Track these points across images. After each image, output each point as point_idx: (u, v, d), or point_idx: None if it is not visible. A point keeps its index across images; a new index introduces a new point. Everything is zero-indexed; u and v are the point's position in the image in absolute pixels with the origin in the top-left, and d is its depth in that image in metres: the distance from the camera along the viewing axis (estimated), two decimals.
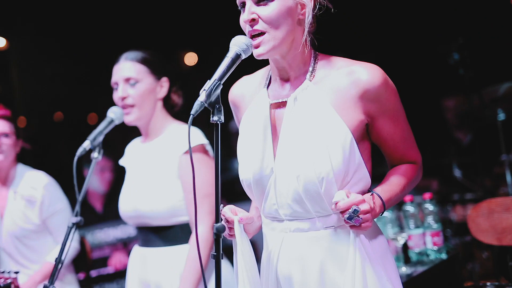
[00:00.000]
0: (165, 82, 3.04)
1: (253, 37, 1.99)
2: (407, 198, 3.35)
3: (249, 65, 2.15)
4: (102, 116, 2.95)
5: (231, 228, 2.06)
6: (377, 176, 2.17)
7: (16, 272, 2.91)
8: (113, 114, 2.88)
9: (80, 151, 2.70)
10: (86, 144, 2.73)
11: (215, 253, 1.85)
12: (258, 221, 2.21)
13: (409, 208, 3.34)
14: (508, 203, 3.46)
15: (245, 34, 2.01)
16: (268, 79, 2.17)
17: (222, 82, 1.89)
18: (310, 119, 1.99)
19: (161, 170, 2.91)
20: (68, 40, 6.89)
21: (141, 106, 2.96)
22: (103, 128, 2.80)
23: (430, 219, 3.36)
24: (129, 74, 2.96)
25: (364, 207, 1.88)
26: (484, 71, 5.43)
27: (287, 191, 2.00)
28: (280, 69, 2.09)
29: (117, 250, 5.31)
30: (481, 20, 5.78)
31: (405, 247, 3.34)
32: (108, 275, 5.01)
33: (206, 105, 1.84)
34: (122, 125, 2.99)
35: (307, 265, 2.00)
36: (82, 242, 3.80)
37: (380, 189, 2.02)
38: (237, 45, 1.95)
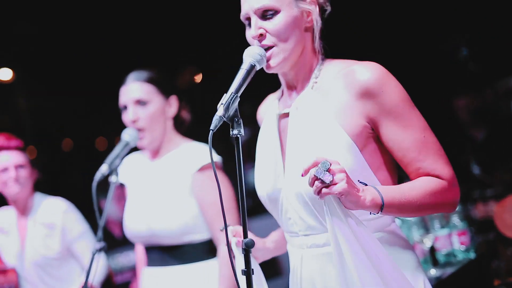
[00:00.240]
0: (174, 101, 3.00)
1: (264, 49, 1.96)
2: None
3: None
4: (110, 139, 2.92)
5: None
6: None
7: None
8: (128, 136, 2.84)
9: (98, 175, 2.67)
10: (104, 169, 2.70)
11: (245, 269, 1.81)
12: (273, 245, 2.17)
13: None
14: None
15: None
16: (282, 90, 2.15)
17: (239, 95, 1.85)
18: (311, 129, 1.94)
19: (173, 188, 2.87)
20: (72, 65, 6.90)
21: (152, 128, 2.92)
22: (119, 151, 2.76)
23: (455, 218, 3.31)
24: (138, 95, 2.91)
25: (336, 166, 1.69)
26: (493, 65, 5.40)
27: (298, 206, 1.96)
28: (287, 79, 2.07)
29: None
30: (486, 14, 5.75)
31: (432, 249, 3.29)
32: None
33: (225, 119, 1.80)
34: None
35: (329, 281, 1.93)
36: None
37: (381, 187, 1.82)
38: (251, 56, 1.91)
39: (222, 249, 2.77)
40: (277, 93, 2.20)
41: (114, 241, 5.34)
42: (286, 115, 2.06)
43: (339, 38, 2.11)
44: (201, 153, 2.86)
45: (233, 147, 1.79)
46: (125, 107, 2.94)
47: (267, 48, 1.95)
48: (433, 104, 6.06)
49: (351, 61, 1.97)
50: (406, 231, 3.20)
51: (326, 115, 1.91)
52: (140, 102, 2.91)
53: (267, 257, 2.18)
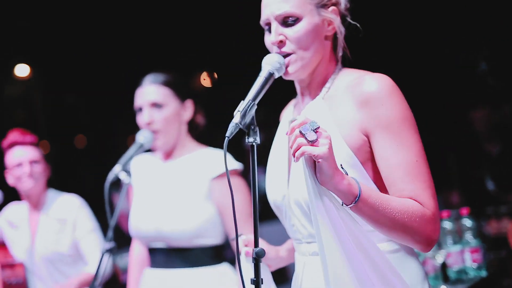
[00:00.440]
0: (189, 105, 2.99)
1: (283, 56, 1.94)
2: (444, 214, 3.27)
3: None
4: (123, 139, 2.92)
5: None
6: None
7: None
8: (143, 138, 2.84)
9: (111, 176, 2.67)
10: (117, 169, 2.69)
11: (254, 278, 1.79)
12: (287, 253, 2.15)
13: (447, 224, 3.26)
14: None
15: None
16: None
17: (256, 102, 1.83)
18: None
19: (187, 191, 2.86)
20: (89, 64, 6.93)
21: (167, 131, 2.91)
22: (133, 153, 2.76)
23: (468, 235, 3.27)
24: (154, 98, 2.90)
25: (324, 131, 1.62)
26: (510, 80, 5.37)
27: (299, 214, 1.94)
28: (302, 86, 2.05)
29: None
30: (505, 29, 5.71)
31: (444, 265, 3.25)
32: None
33: (241, 126, 1.77)
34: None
35: None
36: (112, 267, 3.77)
37: (362, 183, 1.70)
38: (270, 63, 1.89)
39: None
40: (296, 99, 2.18)
41: (123, 239, 5.33)
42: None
43: (357, 48, 2.07)
44: (221, 159, 2.85)
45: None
46: (140, 109, 2.93)
47: (286, 55, 1.93)
48: (450, 118, 6.03)
49: (365, 72, 1.94)
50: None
51: (331, 126, 1.88)
52: (156, 105, 2.90)
53: (281, 265, 2.16)
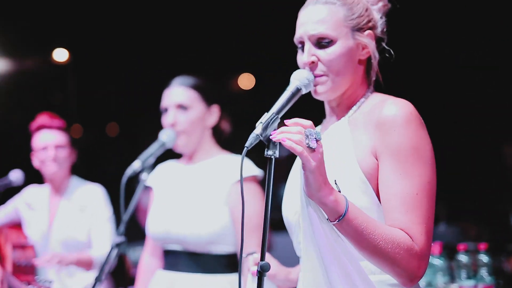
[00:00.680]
0: (215, 110, 2.99)
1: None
2: (461, 247, 3.21)
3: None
4: (154, 132, 2.92)
5: None
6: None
7: (50, 282, 2.91)
8: (166, 136, 2.85)
9: (129, 172, 2.68)
10: (137, 165, 2.70)
11: None
12: (297, 276, 2.10)
13: (462, 257, 3.20)
14: None
15: None
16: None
17: (280, 116, 1.82)
18: (332, 162, 1.87)
19: (207, 194, 2.85)
20: (127, 56, 6.99)
21: (190, 133, 2.91)
22: (154, 150, 2.77)
23: (483, 271, 3.21)
24: (180, 100, 2.91)
25: (321, 148, 1.62)
26: None
27: None
28: (330, 106, 2.03)
29: None
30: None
31: None
32: None
33: (261, 138, 1.76)
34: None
35: None
36: (122, 258, 3.78)
37: (351, 202, 1.69)
38: (298, 79, 1.87)
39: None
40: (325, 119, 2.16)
41: (138, 233, 5.35)
42: None
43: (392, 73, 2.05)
44: (245, 164, 2.83)
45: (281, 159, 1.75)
46: (166, 110, 2.95)
47: (316, 76, 1.91)
48: (483, 150, 5.94)
49: (390, 97, 1.92)
50: (430, 275, 3.12)
51: (349, 150, 1.86)
52: (182, 107, 2.91)
53: (291, 286, 2.13)
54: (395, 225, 1.72)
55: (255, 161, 2.90)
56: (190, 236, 2.80)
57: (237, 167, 2.84)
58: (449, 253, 3.27)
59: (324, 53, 1.90)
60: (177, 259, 2.86)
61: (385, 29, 2.00)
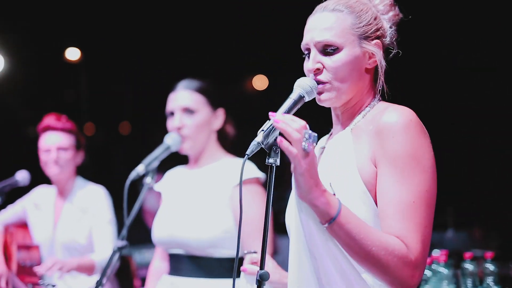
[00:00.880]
0: (221, 113, 2.99)
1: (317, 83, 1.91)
2: (467, 255, 3.18)
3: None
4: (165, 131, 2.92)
5: None
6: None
7: (54, 286, 2.91)
8: (171, 140, 2.85)
9: (133, 175, 2.68)
10: (140, 169, 2.70)
11: None
12: None
13: (468, 266, 3.16)
14: None
15: None
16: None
17: None
18: (334, 171, 1.87)
19: (210, 198, 2.85)
20: (139, 55, 7.01)
21: (196, 137, 2.91)
22: (159, 154, 2.77)
23: (489, 280, 3.17)
24: (186, 103, 2.91)
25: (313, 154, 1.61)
26: None
27: None
28: (336, 114, 2.01)
29: None
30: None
31: None
32: None
33: (262, 146, 1.76)
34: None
35: None
36: (128, 260, 3.78)
37: (345, 206, 1.67)
38: (301, 86, 1.86)
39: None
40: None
41: (143, 235, 5.36)
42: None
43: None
44: (245, 167, 2.82)
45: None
46: (172, 113, 2.94)
47: (320, 83, 1.90)
48: (481, 152, 5.89)
49: (392, 105, 1.89)
50: (435, 284, 3.09)
51: (350, 161, 1.84)
52: (188, 110, 2.91)
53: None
54: (390, 233, 1.70)
55: (258, 166, 2.89)
56: (192, 240, 2.79)
57: (239, 170, 2.82)
58: (455, 261, 3.24)
59: (329, 60, 1.89)
60: (181, 263, 2.86)
61: (394, 39, 1.98)
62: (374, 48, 1.91)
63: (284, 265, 2.12)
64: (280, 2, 6.00)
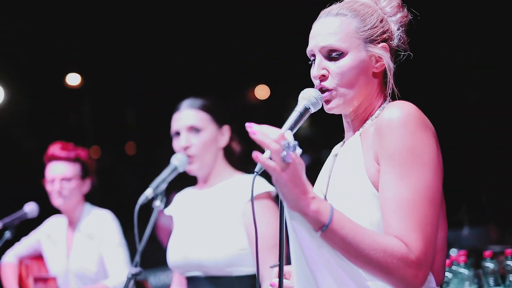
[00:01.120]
0: (226, 130, 2.96)
1: (323, 91, 1.87)
2: (487, 253, 3.13)
3: None
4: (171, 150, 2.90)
5: None
6: None
7: None
8: (177, 161, 2.81)
9: (142, 199, 2.64)
10: (149, 192, 2.67)
11: None
12: None
13: (489, 264, 3.11)
14: None
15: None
16: None
17: None
18: (345, 177, 1.83)
19: (222, 217, 2.80)
20: (137, 74, 7.02)
21: (204, 156, 2.88)
22: (166, 176, 2.74)
23: None
24: (192, 122, 2.88)
25: (299, 162, 1.55)
26: None
27: None
28: (346, 120, 1.97)
29: None
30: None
31: None
32: None
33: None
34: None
35: None
36: (143, 285, 3.74)
37: (338, 211, 1.61)
38: (306, 98, 1.82)
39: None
40: None
41: (161, 255, 5.32)
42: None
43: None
44: (256, 183, 2.79)
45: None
46: (178, 133, 2.91)
47: (326, 90, 1.86)
48: (481, 149, 5.85)
49: (394, 102, 1.84)
50: (456, 285, 3.04)
51: (359, 165, 1.79)
52: (194, 129, 2.88)
53: None
54: (390, 232, 1.63)
55: (268, 179, 2.85)
56: (208, 260, 2.75)
57: (249, 186, 2.80)
58: (474, 261, 3.19)
59: (334, 66, 1.85)
60: (199, 285, 2.80)
61: (402, 41, 1.93)
62: (380, 51, 1.86)
63: None
64: (281, 11, 5.99)
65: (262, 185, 2.79)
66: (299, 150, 1.58)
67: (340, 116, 1.98)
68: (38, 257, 3.73)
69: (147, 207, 2.72)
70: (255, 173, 1.73)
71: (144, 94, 7.40)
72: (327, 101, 1.87)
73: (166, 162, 2.84)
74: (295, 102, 1.84)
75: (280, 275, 1.74)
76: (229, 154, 2.99)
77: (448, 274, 2.97)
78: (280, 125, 1.73)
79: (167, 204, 2.84)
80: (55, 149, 3.61)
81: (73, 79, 7.26)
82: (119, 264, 3.49)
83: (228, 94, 7.01)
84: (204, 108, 2.90)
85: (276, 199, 2.81)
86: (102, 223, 3.60)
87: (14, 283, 3.64)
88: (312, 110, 1.84)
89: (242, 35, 6.62)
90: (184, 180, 3.09)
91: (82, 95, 7.57)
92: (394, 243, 1.61)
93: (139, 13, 6.26)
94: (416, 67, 2.00)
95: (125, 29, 6.42)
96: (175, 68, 6.91)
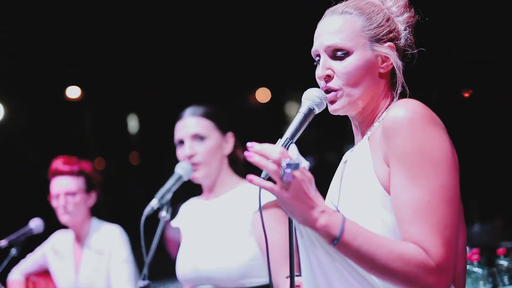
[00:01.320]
0: (230, 138, 2.92)
1: (327, 91, 1.83)
2: (500, 250, 3.08)
3: None
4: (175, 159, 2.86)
5: None
6: None
7: None
8: (182, 170, 2.77)
9: (147, 210, 2.60)
10: (154, 203, 2.63)
11: None
12: None
13: (503, 262, 3.07)
14: None
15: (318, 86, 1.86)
16: None
17: (294, 141, 1.73)
18: (355, 181, 1.78)
19: (231, 227, 2.75)
20: (140, 85, 7.01)
21: (209, 164, 2.84)
22: (171, 185, 2.69)
23: None
24: (196, 130, 2.85)
25: (300, 175, 1.48)
26: None
27: None
28: (354, 124, 1.92)
29: None
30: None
31: None
32: None
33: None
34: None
35: None
36: None
37: (350, 220, 1.55)
38: (310, 99, 1.78)
39: None
40: None
41: (170, 267, 5.27)
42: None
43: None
44: (264, 191, 2.74)
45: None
46: (181, 142, 2.87)
47: (331, 90, 1.81)
48: (479, 147, 5.80)
49: (399, 100, 1.79)
50: (471, 285, 3.00)
51: (369, 170, 1.73)
52: (198, 137, 2.84)
53: None
54: (407, 239, 1.56)
55: None
56: (220, 272, 2.69)
57: (257, 195, 2.74)
58: (487, 259, 3.14)
59: (339, 66, 1.80)
60: None
61: (409, 41, 1.88)
62: (387, 50, 1.82)
63: None
64: (283, 13, 5.96)
65: (270, 194, 2.73)
66: (305, 163, 1.53)
67: (345, 117, 1.94)
68: (45, 273, 3.69)
69: (153, 218, 2.68)
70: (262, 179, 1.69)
71: (145, 101, 7.38)
72: (332, 102, 1.82)
73: (171, 171, 2.80)
74: (296, 105, 1.80)
75: (292, 286, 1.70)
76: (233, 161, 2.95)
77: None
78: (282, 128, 1.69)
79: (173, 214, 2.81)
80: (58, 163, 3.58)
81: (73, 91, 7.26)
82: (123, 281, 3.44)
83: (229, 99, 6.99)
84: (208, 116, 2.87)
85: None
86: (111, 239, 3.56)
87: None
88: (317, 111, 1.80)
89: (242, 36, 6.60)
90: (189, 190, 3.05)
91: (82, 107, 7.56)
92: (412, 250, 1.53)
93: (137, 16, 6.24)
94: (412, 62, 1.95)
95: (122, 33, 6.41)
96: (175, 74, 6.89)
